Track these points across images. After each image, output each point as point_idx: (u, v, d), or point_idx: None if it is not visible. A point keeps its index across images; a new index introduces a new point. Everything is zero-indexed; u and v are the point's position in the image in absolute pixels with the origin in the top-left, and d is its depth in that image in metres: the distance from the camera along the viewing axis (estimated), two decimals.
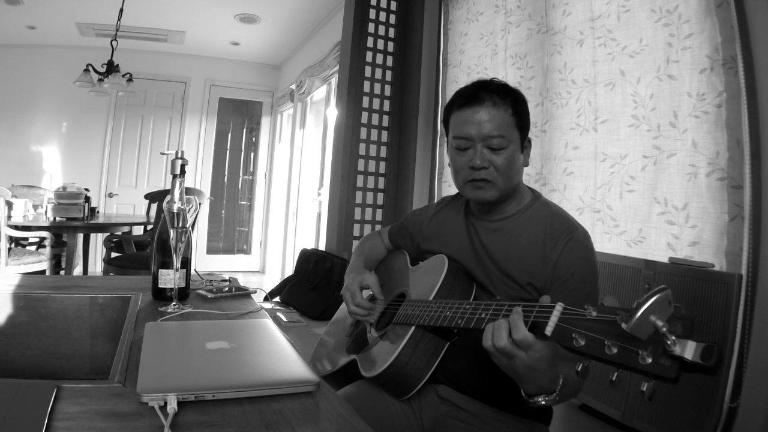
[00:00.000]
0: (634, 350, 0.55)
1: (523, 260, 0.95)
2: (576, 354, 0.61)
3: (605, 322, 0.59)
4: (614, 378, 0.59)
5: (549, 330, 0.64)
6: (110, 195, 5.14)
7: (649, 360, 0.53)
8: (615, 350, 0.57)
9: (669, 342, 0.51)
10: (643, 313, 0.52)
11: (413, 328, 0.92)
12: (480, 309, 0.79)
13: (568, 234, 0.93)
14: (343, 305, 1.28)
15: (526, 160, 1.00)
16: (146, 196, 3.35)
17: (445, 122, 1.03)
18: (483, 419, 0.95)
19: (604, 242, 1.67)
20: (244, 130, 5.93)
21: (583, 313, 0.62)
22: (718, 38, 1.37)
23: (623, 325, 0.54)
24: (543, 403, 0.74)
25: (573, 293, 0.89)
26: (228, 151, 5.85)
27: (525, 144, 0.99)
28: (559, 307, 0.66)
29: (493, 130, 0.93)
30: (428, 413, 0.99)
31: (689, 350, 0.51)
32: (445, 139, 1.01)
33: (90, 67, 3.57)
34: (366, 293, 1.09)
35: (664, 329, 0.51)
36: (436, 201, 1.24)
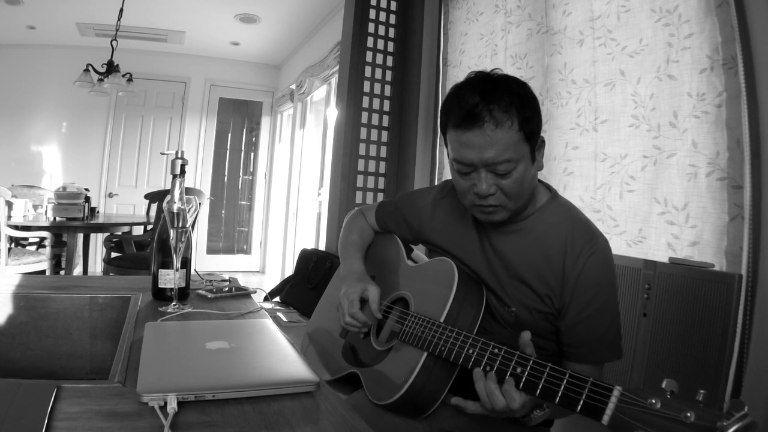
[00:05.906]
0: None
1: (541, 269, 0.89)
2: None
3: (671, 420, 0.55)
4: None
5: (606, 420, 0.61)
6: (110, 195, 5.14)
7: None
8: None
9: None
10: None
11: (426, 354, 0.87)
12: (513, 360, 0.73)
13: (591, 247, 0.87)
14: (325, 297, 1.25)
15: (540, 163, 0.90)
16: (146, 196, 3.35)
17: (443, 132, 0.91)
18: (485, 422, 0.95)
19: None
20: (244, 130, 5.93)
21: (645, 404, 0.58)
22: (718, 38, 1.36)
23: None
24: (540, 414, 0.74)
25: (599, 314, 0.86)
26: (228, 151, 5.85)
27: (537, 148, 0.88)
28: (616, 392, 0.61)
29: (497, 155, 0.81)
30: (432, 419, 0.98)
31: None
32: (445, 148, 0.92)
33: (90, 67, 3.57)
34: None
35: None
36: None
